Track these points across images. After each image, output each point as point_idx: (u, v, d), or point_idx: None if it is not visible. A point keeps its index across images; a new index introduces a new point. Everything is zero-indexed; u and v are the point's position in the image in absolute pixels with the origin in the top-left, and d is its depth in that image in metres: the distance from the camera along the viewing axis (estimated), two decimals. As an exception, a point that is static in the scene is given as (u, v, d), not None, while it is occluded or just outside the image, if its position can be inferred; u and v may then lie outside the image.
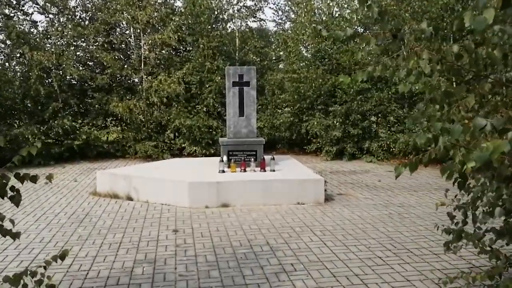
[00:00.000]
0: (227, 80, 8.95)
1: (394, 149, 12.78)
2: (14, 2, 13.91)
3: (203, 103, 14.17)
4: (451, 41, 11.44)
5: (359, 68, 13.50)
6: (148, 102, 13.76)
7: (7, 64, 13.82)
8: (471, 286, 3.65)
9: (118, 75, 14.55)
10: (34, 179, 2.81)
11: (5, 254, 5.39)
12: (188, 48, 15.62)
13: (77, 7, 14.82)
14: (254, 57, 15.03)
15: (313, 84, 13.80)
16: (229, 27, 16.09)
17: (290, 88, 14.34)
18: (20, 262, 5.17)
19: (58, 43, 14.07)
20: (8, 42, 13.61)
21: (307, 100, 14.20)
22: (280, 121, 14.66)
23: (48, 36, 14.06)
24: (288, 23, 20.88)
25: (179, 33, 14.26)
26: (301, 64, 15.32)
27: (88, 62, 14.99)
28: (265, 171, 8.42)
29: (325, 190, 8.01)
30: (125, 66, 14.27)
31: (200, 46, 14.18)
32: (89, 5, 14.94)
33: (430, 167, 11.90)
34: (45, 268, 2.59)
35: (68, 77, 14.01)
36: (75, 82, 14.41)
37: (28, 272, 2.69)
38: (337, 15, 14.76)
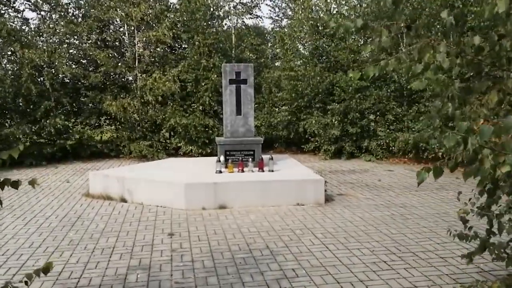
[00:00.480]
0: (224, 78, 8.70)
1: (393, 147, 12.57)
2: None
3: (199, 102, 13.91)
4: (455, 37, 11.24)
5: (357, 66, 13.31)
6: (142, 100, 13.50)
7: (-3, 62, 13.53)
8: (486, 295, 3.43)
9: (112, 73, 14.27)
10: (15, 185, 2.57)
11: (-8, 261, 5.14)
12: (183, 46, 15.37)
13: (69, 4, 14.53)
14: (250, 55, 14.78)
15: (311, 82, 13.58)
16: (225, 24, 15.86)
17: (287, 86, 14.11)
18: (7, 269, 4.91)
19: (50, 40, 13.76)
20: (-2, 40, 13.31)
21: (305, 98, 13.97)
22: (277, 119, 14.43)
23: (40, 33, 13.76)
24: (285, 20, 20.65)
25: (174, 30, 14.00)
26: (298, 62, 15.09)
27: (81, 60, 14.68)
28: (263, 171, 8.19)
29: (325, 191, 7.78)
30: (119, 64, 13.98)
31: (195, 43, 13.91)
32: (82, 2, 14.65)
33: (431, 165, 11.70)
34: (26, 283, 2.34)
35: (60, 75, 13.71)
36: (68, 81, 14.10)
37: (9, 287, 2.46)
38: (334, 11, 14.51)
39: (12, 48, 12.84)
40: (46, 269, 2.42)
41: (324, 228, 6.23)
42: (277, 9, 20.48)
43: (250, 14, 15.61)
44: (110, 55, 14.25)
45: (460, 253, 5.20)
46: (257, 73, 14.74)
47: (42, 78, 13.28)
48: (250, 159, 8.33)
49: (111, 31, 14.94)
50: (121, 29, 14.90)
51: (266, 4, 23.22)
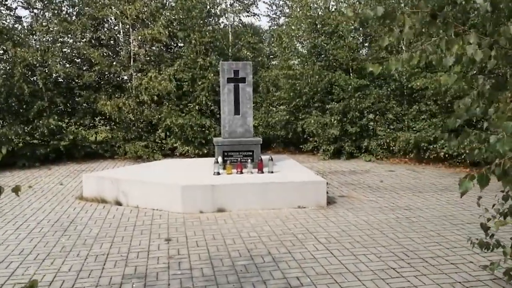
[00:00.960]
0: (222, 76, 8.44)
1: (394, 147, 12.35)
2: (-4, -3, 13.29)
3: (196, 101, 13.64)
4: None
5: (357, 65, 13.09)
6: (138, 100, 13.21)
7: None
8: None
9: (106, 73, 13.97)
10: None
11: (-22, 270, 4.86)
12: (179, 44, 15.09)
13: (63, 2, 14.20)
14: (248, 53, 14.51)
15: (309, 81, 13.33)
16: (222, 22, 15.57)
17: (285, 85, 13.86)
18: (-6, 279, 4.64)
19: (43, 39, 13.44)
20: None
21: (303, 97, 13.73)
22: (275, 119, 14.20)
23: (33, 32, 13.43)
24: (283, 18, 20.36)
25: (169, 28, 13.73)
26: (296, 62, 14.85)
27: (75, 59, 14.36)
28: (262, 172, 7.94)
29: (327, 193, 7.53)
30: (114, 63, 13.68)
31: (192, 41, 13.64)
32: (76, 0, 14.31)
33: (432, 166, 11.52)
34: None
35: (54, 74, 13.39)
36: (61, 80, 13.78)
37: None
38: (333, 9, 14.27)
39: (4, 47, 12.51)
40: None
41: (327, 232, 5.98)
42: (274, 7, 20.23)
43: (247, 12, 15.35)
44: (105, 54, 13.95)
45: (471, 259, 4.99)
46: (254, 72, 14.47)
47: (35, 78, 12.95)
48: (249, 160, 8.07)
49: (105, 29, 14.65)
50: (116, 27, 14.61)
51: (264, 2, 22.93)
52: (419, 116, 12.26)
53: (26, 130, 12.24)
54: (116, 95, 13.60)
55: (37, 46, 12.89)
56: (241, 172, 7.89)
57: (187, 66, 13.64)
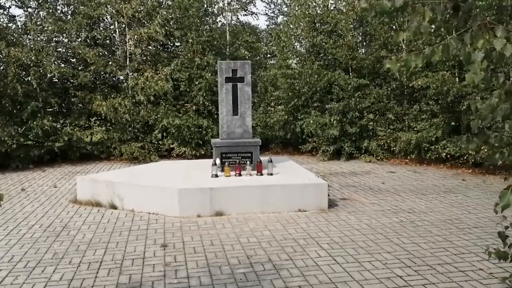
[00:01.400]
0: (220, 76, 8.21)
1: (394, 148, 12.15)
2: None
3: (193, 101, 13.42)
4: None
5: (356, 64, 12.89)
6: (134, 100, 12.97)
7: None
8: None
9: (102, 72, 13.71)
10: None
11: (-36, 279, 4.63)
12: (176, 43, 14.86)
13: (58, 1, 13.97)
14: (245, 52, 14.29)
15: (308, 80, 13.11)
16: (219, 21, 15.36)
17: (284, 85, 13.64)
18: (-19, 289, 4.41)
19: (38, 39, 13.17)
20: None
21: (302, 97, 13.51)
22: (273, 119, 13.97)
23: (27, 31, 13.15)
24: (281, 17, 20.19)
25: (166, 27, 13.51)
26: (294, 61, 14.64)
27: (70, 59, 14.10)
28: (262, 174, 7.72)
29: (328, 195, 7.32)
30: (110, 62, 13.44)
31: (188, 41, 13.41)
32: (71, -1, 14.08)
33: (434, 166, 11.33)
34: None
35: (48, 74, 13.14)
36: (56, 80, 13.53)
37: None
38: (332, 7, 14.07)
39: (-3, 47, 12.25)
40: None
41: (330, 238, 5.77)
42: (272, 6, 20.02)
43: (245, 10, 15.12)
44: (100, 53, 13.71)
45: (480, 265, 4.79)
46: (252, 72, 14.25)
47: (29, 78, 12.68)
48: (248, 161, 7.84)
49: (101, 28, 14.41)
50: (112, 26, 14.37)
51: (262, 0, 22.71)
52: (420, 116, 12.07)
53: (19, 131, 11.98)
54: (112, 95, 13.37)
55: (31, 46, 12.61)
56: (240, 174, 7.67)
57: (184, 65, 13.42)
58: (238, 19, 15.57)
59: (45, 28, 13.20)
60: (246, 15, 16.52)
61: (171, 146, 13.24)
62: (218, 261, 5.00)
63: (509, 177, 2.49)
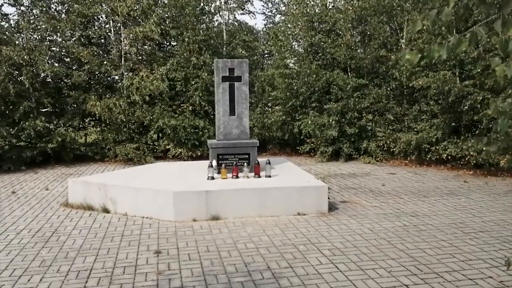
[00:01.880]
0: (216, 75, 7.97)
1: (394, 149, 11.92)
2: (-19, -6, 12.74)
3: (189, 101, 13.17)
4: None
5: (355, 63, 12.66)
6: (129, 100, 12.70)
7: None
8: None
9: (96, 72, 13.44)
10: None
11: None
12: (172, 43, 14.61)
13: (52, -1, 13.69)
14: (243, 52, 14.04)
15: (306, 80, 12.88)
16: (216, 20, 15.10)
17: (281, 85, 13.39)
18: (-38, 300, 4.15)
19: (31, 37, 12.88)
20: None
21: (300, 97, 13.27)
22: (271, 120, 13.73)
23: (20, 30, 12.86)
24: (279, 16, 19.97)
25: (162, 26, 13.24)
26: (292, 61, 14.42)
27: (64, 58, 13.81)
28: (259, 177, 7.48)
29: (328, 198, 7.08)
30: (104, 62, 13.16)
31: (185, 40, 13.15)
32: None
33: (434, 168, 11.13)
34: None
35: (42, 74, 12.86)
36: (49, 80, 13.25)
37: None
38: (330, 6, 13.84)
39: (-12, 45, 11.98)
40: None
41: (331, 243, 5.53)
42: (270, 4, 19.79)
43: (242, 9, 14.85)
44: (95, 52, 13.44)
45: (489, 273, 4.56)
46: (249, 71, 14.02)
47: (21, 78, 12.39)
48: (245, 163, 7.60)
49: (95, 27, 14.12)
50: (107, 25, 14.09)
51: (259, -1, 22.50)
52: (419, 116, 11.85)
53: (11, 132, 11.68)
54: (107, 95, 13.11)
55: (24, 45, 12.33)
56: (237, 177, 7.42)
57: (180, 65, 13.17)
58: (235, 18, 15.38)
59: (38, 27, 12.92)
60: (243, 14, 16.31)
61: (167, 147, 12.97)
62: (214, 269, 4.75)
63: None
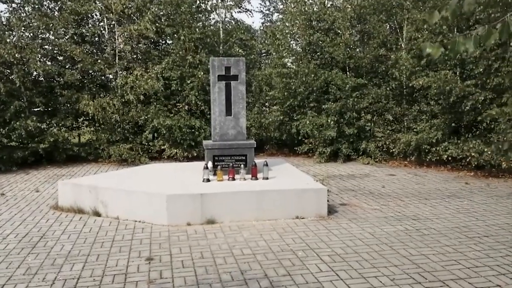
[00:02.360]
0: (212, 74, 7.72)
1: (393, 150, 11.71)
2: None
3: (185, 101, 12.91)
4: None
5: (354, 63, 12.45)
6: (123, 100, 12.43)
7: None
8: None
9: (90, 71, 13.15)
10: None
11: None
12: (167, 41, 14.35)
13: (44, -5, 13.39)
14: (240, 51, 13.78)
15: (305, 80, 12.64)
16: (212, 18, 14.85)
17: (279, 84, 13.15)
18: None
19: (23, 35, 12.59)
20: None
21: (298, 97, 13.03)
22: (268, 120, 13.50)
23: (11, 27, 12.57)
24: (276, 14, 19.72)
25: (157, 24, 12.99)
26: (290, 60, 14.19)
27: (57, 57, 13.52)
28: (257, 179, 7.24)
29: (327, 201, 6.85)
30: (98, 60, 12.89)
31: (180, 38, 12.89)
32: (58, -7, 13.51)
33: (434, 169, 10.92)
34: None
35: (35, 72, 12.58)
36: (41, 79, 12.97)
37: None
38: (329, 4, 13.61)
39: (-22, 43, 11.69)
40: None
41: (331, 249, 5.30)
42: (267, 3, 19.55)
43: (239, 7, 14.58)
44: (88, 51, 13.17)
45: (497, 281, 4.35)
46: (246, 70, 13.77)
47: (12, 76, 12.08)
48: (242, 165, 7.36)
49: (89, 25, 13.84)
50: (100, 23, 13.83)
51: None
52: (419, 116, 11.64)
53: (2, 132, 11.42)
54: (101, 95, 12.85)
55: (15, 43, 12.03)
56: (233, 179, 7.18)
57: (175, 64, 12.90)
58: (232, 16, 15.06)
59: (30, 25, 12.64)
60: (240, 12, 15.98)
61: (162, 147, 12.71)
62: (208, 277, 4.51)
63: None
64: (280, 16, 17.34)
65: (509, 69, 9.39)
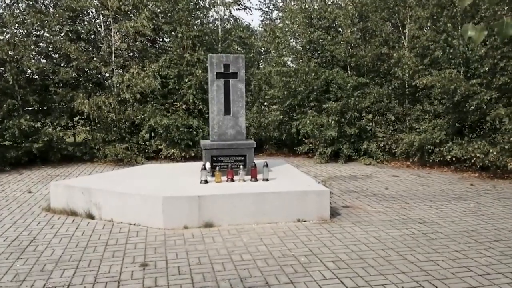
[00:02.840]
0: (210, 71, 7.45)
1: (395, 150, 11.46)
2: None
3: (182, 100, 12.65)
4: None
5: (355, 61, 12.21)
6: (119, 98, 12.16)
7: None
8: None
9: (85, 69, 12.88)
10: None
11: None
12: (164, 38, 14.09)
13: (39, -8, 13.12)
14: (238, 49, 13.54)
15: (305, 79, 12.38)
16: (211, 15, 14.61)
17: (279, 83, 12.89)
18: None
19: (17, 32, 12.31)
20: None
21: (298, 96, 12.79)
22: (268, 119, 13.25)
23: (5, 24, 12.28)
24: (276, 12, 19.47)
25: (154, 21, 12.74)
26: (289, 59, 13.95)
27: (51, 54, 13.24)
28: (256, 180, 6.98)
29: (330, 203, 6.60)
30: (93, 58, 12.62)
31: (178, 35, 12.63)
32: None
33: (437, 170, 10.68)
34: None
35: (29, 70, 12.30)
36: (36, 77, 12.68)
37: None
38: (330, 2, 13.37)
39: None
40: None
41: (335, 254, 5.05)
42: (267, 0, 19.29)
43: (238, 4, 14.33)
44: (84, 48, 12.89)
45: (513, 290, 4.08)
46: (245, 69, 13.52)
47: (5, 74, 11.80)
48: (241, 166, 7.09)
49: (84, 22, 13.58)
50: (96, 20, 13.55)
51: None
52: (422, 116, 11.40)
53: (-5, 131, 11.16)
54: (96, 93, 12.58)
55: (8, 39, 11.74)
56: (232, 180, 6.92)
57: (173, 62, 12.64)
58: (231, 13, 14.80)
59: (24, 21, 12.35)
60: (239, 9, 15.73)
61: (159, 147, 12.43)
62: (206, 285, 4.26)
63: None
64: (280, 14, 17.10)
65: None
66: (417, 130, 11.15)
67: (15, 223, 6.49)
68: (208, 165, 7.08)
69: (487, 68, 9.64)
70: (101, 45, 13.19)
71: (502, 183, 9.15)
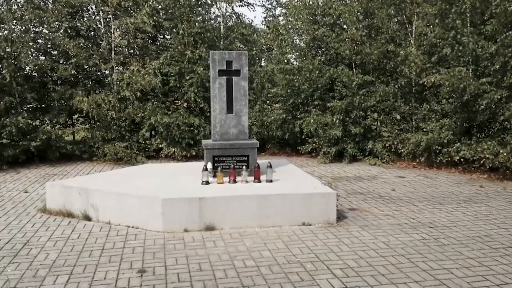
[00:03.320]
0: (212, 68, 7.19)
1: (402, 150, 11.19)
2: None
3: (183, 98, 12.40)
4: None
5: (361, 59, 11.96)
6: (119, 96, 11.90)
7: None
8: None
9: (84, 66, 12.62)
10: None
11: None
12: (165, 35, 13.83)
13: (38, -12, 12.86)
14: (241, 46, 13.27)
15: (309, 77, 12.11)
16: (213, 12, 14.35)
17: (282, 81, 12.62)
18: None
19: (15, 28, 12.07)
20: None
21: (302, 94, 12.52)
22: (270, 118, 12.98)
23: (2, 20, 12.02)
24: (279, 8, 19.20)
25: (155, 18, 12.48)
26: (293, 56, 13.69)
27: (50, 51, 12.99)
28: (260, 181, 6.72)
29: (336, 206, 6.34)
30: (93, 55, 12.36)
31: (179, 32, 12.37)
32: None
33: (445, 170, 10.41)
34: None
35: (27, 67, 12.06)
36: (34, 74, 12.44)
37: None
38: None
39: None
40: None
41: (342, 261, 4.79)
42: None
43: (241, 1, 14.10)
44: (83, 45, 12.64)
45: (535, 302, 3.81)
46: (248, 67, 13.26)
47: (4, 71, 11.56)
48: (244, 166, 6.82)
49: (84, 18, 13.33)
50: (96, 16, 13.31)
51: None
52: (429, 115, 11.13)
53: (-8, 129, 10.92)
54: (96, 91, 12.34)
55: (6, 36, 11.49)
56: (235, 181, 6.66)
57: (174, 59, 12.38)
58: (233, 10, 14.56)
59: (22, 17, 12.10)
60: (241, 5, 15.48)
61: (160, 146, 12.19)
62: (207, 294, 4.01)
63: None
64: (283, 11, 16.81)
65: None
66: (424, 129, 10.88)
67: (8, 225, 6.25)
68: (209, 165, 6.82)
69: (497, 66, 9.35)
70: (100, 42, 12.96)
71: (512, 185, 8.89)
